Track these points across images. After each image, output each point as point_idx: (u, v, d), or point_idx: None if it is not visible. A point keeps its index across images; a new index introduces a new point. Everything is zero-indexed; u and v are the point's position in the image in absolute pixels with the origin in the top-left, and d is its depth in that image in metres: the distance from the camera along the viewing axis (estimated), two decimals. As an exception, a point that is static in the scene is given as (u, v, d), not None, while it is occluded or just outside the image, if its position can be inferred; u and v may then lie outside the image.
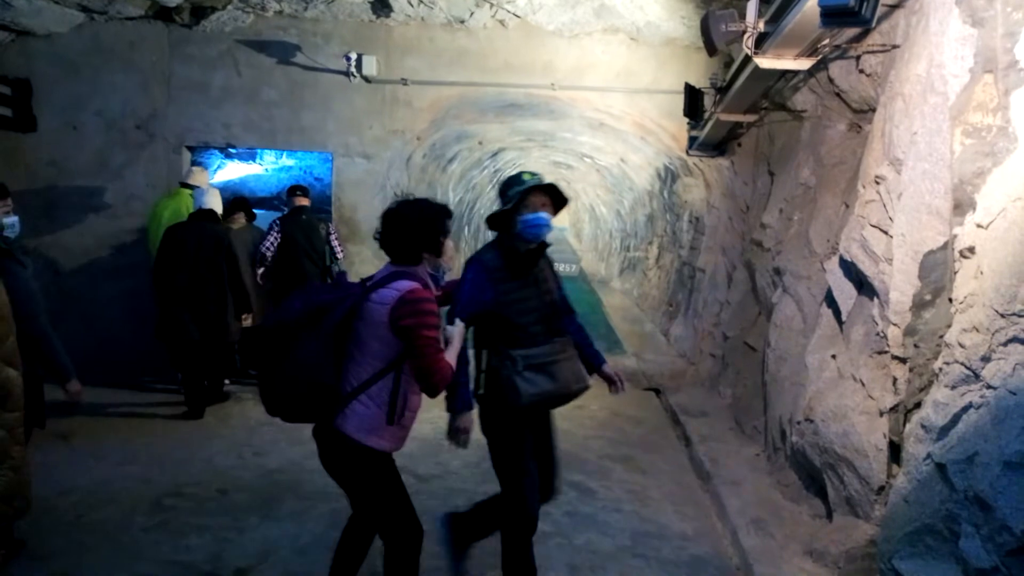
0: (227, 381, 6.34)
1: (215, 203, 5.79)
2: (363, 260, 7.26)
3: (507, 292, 2.98)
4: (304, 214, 6.52)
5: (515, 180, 3.03)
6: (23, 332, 3.18)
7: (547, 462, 3.31)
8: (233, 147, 7.36)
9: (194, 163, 7.26)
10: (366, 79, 6.81)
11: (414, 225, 2.62)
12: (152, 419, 5.65)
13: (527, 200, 2.96)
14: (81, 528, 3.74)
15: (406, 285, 2.50)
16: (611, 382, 3.32)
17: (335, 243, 6.65)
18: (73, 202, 6.77)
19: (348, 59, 6.63)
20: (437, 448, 5.26)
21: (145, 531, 3.77)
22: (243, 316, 5.81)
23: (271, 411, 2.60)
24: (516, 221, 2.97)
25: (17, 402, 2.94)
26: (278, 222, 6.50)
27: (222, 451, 4.97)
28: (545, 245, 3.10)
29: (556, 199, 3.06)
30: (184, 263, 5.45)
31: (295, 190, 6.68)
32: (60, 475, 4.32)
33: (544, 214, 2.97)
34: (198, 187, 6.17)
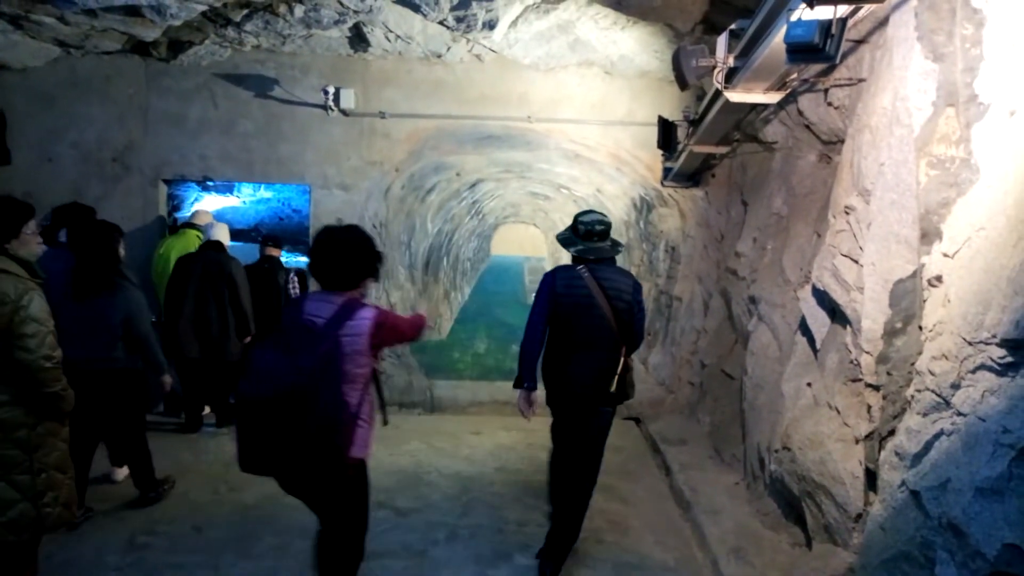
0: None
1: (222, 235, 6.25)
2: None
3: None
4: (267, 263, 6.87)
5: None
6: (132, 334, 4.30)
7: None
8: (210, 179, 7.34)
9: (199, 211, 7.32)
10: (344, 112, 6.86)
11: (359, 252, 2.80)
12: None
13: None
14: (51, 569, 3.65)
15: (371, 312, 2.72)
16: None
17: (292, 289, 7.02)
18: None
19: (326, 92, 6.68)
20: (416, 481, 5.23)
21: (118, 570, 3.69)
22: (245, 337, 6.15)
23: (286, 474, 2.80)
24: None
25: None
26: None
27: (197, 486, 4.90)
28: None
29: None
30: (191, 288, 5.94)
31: (267, 240, 7.16)
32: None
33: None
34: (204, 225, 6.53)
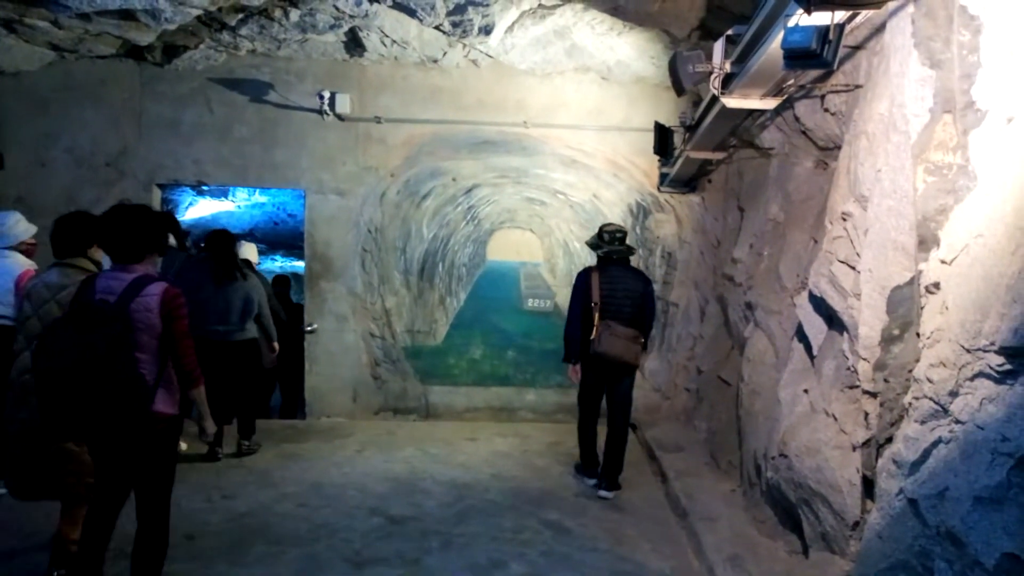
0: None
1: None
2: (336, 297, 7.22)
3: None
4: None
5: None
6: (256, 312, 5.73)
7: None
8: (204, 184, 7.31)
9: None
10: (340, 117, 6.84)
11: (142, 227, 3.05)
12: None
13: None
14: (40, 578, 3.61)
15: (160, 287, 2.99)
16: None
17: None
18: (41, 239, 6.63)
19: (322, 97, 6.66)
20: (410, 488, 5.20)
21: (108, 580, 3.64)
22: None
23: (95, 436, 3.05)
24: None
25: None
26: None
27: (189, 494, 4.85)
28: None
29: None
30: None
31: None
32: (22, 523, 4.18)
33: None
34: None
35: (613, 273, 5.21)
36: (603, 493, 5.14)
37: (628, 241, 5.33)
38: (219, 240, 5.74)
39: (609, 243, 5.25)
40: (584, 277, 5.28)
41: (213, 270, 5.58)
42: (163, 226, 3.19)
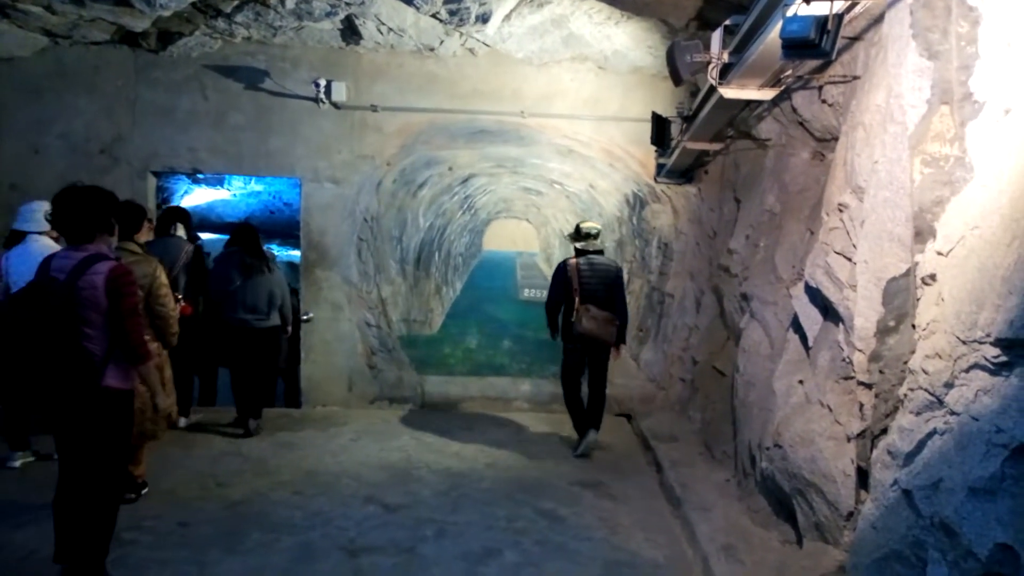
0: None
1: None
2: (332, 285, 7.20)
3: None
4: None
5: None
6: (278, 302, 6.08)
7: None
8: (199, 172, 7.28)
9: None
10: (335, 105, 6.80)
11: (89, 207, 3.15)
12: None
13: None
14: (36, 562, 3.61)
15: (107, 265, 3.10)
16: None
17: None
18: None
19: (317, 85, 6.62)
20: (405, 476, 5.20)
21: (102, 567, 3.64)
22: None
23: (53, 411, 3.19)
24: None
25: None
26: None
27: (184, 482, 4.86)
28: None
29: None
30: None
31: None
32: (12, 508, 4.18)
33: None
34: None
35: (589, 263, 5.90)
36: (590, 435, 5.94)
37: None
38: (247, 234, 6.09)
39: (585, 238, 6.00)
40: (563, 267, 5.96)
41: (242, 263, 5.93)
42: (112, 207, 3.28)
